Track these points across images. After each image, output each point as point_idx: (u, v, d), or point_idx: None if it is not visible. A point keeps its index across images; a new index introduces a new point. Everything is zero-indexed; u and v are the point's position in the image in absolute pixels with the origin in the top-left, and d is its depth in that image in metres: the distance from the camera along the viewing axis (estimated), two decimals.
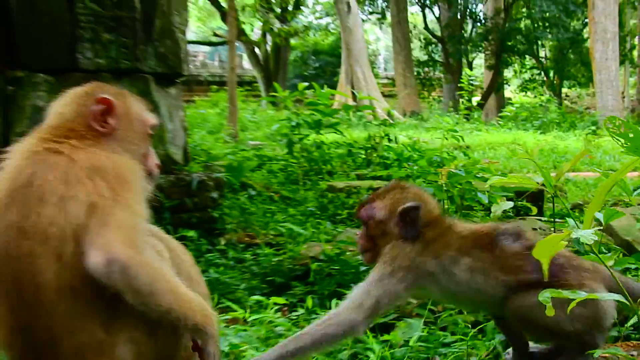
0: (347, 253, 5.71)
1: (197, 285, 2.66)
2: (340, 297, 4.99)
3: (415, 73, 29.96)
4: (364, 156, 11.42)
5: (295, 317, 4.37)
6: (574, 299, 2.03)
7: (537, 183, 4.30)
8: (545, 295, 2.01)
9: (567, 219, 5.52)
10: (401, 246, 2.44)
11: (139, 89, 7.34)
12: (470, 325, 3.84)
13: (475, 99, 29.56)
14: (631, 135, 2.70)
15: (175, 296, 2.22)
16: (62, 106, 2.69)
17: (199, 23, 42.91)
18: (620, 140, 2.81)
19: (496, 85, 30.82)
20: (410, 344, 3.73)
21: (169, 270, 2.32)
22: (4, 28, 6.95)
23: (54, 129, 2.57)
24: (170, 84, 7.85)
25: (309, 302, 4.55)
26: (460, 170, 5.54)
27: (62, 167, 2.32)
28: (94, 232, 2.16)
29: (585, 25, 28.83)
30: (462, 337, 3.64)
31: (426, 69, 32.51)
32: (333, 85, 22.74)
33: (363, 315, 2.42)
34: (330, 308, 4.56)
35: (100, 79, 7.01)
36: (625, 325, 3.01)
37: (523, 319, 2.37)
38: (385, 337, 3.78)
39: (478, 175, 5.69)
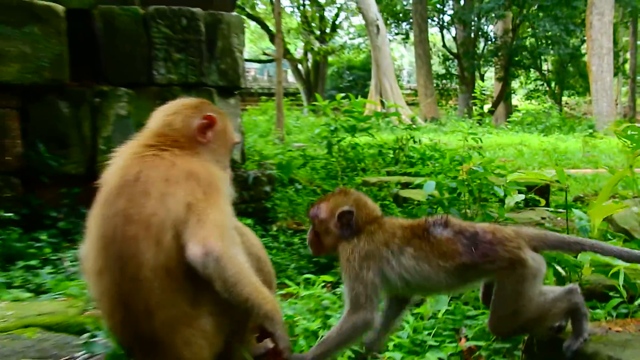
0: None
1: (264, 265, 2.71)
2: None
3: (435, 85, 29.72)
4: (392, 156, 11.36)
5: (339, 292, 4.39)
6: None
7: (549, 178, 4.30)
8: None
9: (572, 209, 5.45)
10: (347, 245, 2.39)
11: (204, 99, 7.43)
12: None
13: (487, 107, 29.33)
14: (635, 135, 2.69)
15: (253, 288, 2.29)
16: (169, 115, 2.74)
17: (251, 44, 43.20)
18: (626, 141, 2.81)
19: (504, 95, 30.44)
20: (438, 316, 3.73)
21: (249, 264, 2.36)
22: (91, 50, 7.09)
23: (158, 136, 2.64)
24: (229, 95, 7.93)
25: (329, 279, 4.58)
26: (478, 167, 5.50)
27: (164, 169, 2.41)
28: (193, 228, 2.25)
29: (583, 42, 28.30)
30: (484, 310, 3.62)
31: (444, 81, 32.29)
32: (364, 96, 22.69)
33: (368, 310, 2.36)
34: None
35: (171, 92, 7.16)
36: (635, 302, 2.95)
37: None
38: (416, 310, 3.78)
39: (495, 172, 5.62)
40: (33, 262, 5.70)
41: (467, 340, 3.35)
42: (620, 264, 2.36)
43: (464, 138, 9.55)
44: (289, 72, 32.21)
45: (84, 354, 2.35)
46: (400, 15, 30.91)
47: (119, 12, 7.03)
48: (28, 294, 4.74)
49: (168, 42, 7.16)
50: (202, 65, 7.34)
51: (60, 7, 6.71)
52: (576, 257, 3.08)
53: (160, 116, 2.77)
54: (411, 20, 29.47)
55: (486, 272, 2.35)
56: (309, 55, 30.51)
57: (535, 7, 28.14)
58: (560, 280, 3.26)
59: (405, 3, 30.78)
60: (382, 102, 20.39)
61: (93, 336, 2.90)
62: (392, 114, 12.55)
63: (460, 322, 3.64)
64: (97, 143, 6.89)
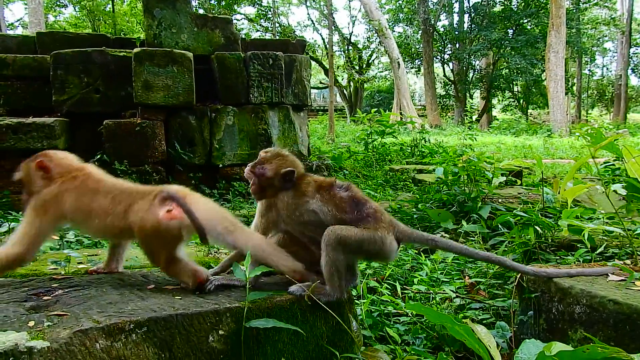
0: (404, 208, 5.56)
1: None
2: None
3: (438, 102, 28.99)
4: (409, 151, 11.14)
5: None
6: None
7: (527, 164, 4.10)
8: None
9: (540, 187, 5.19)
10: (284, 195, 2.16)
11: (283, 114, 7.41)
12: (488, 249, 3.68)
13: (474, 117, 28.52)
14: (594, 134, 2.50)
15: None
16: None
17: (312, 76, 43.34)
18: (586, 137, 2.62)
19: (487, 109, 29.47)
20: (447, 261, 3.60)
21: None
22: (209, 81, 7.16)
23: None
24: (300, 110, 7.87)
25: None
26: (474, 158, 5.30)
27: None
28: None
29: (543, 71, 27.15)
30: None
31: (444, 100, 31.50)
32: (389, 111, 22.34)
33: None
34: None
35: (262, 108, 7.15)
36: (595, 252, 2.77)
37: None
38: (432, 256, 3.67)
39: (486, 161, 5.40)
40: None
41: (470, 278, 3.23)
42: (587, 226, 2.23)
43: (460, 138, 9.23)
44: (337, 95, 32.06)
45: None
46: (414, 55, 30.20)
47: (228, 56, 7.05)
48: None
49: (260, 75, 7.15)
50: (282, 90, 7.30)
51: (190, 54, 6.77)
52: (556, 222, 2.90)
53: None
54: (422, 58, 28.74)
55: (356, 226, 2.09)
56: (351, 83, 30.22)
57: (509, 48, 27.24)
58: (538, 236, 3.09)
59: (417, 46, 30.02)
60: (401, 115, 20.10)
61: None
62: (409, 122, 12.28)
63: (464, 265, 3.52)
64: (212, 143, 6.97)
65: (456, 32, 29.14)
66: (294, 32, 28.71)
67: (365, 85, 32.06)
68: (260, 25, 27.23)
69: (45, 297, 1.86)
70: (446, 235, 4.48)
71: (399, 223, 2.18)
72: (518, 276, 2.28)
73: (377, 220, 2.09)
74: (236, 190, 6.82)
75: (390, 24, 27.61)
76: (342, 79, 31.81)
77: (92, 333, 1.54)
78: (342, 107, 30.68)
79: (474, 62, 29.79)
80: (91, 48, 6.75)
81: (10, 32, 20.31)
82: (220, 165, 6.94)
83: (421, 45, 29.01)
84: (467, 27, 29.09)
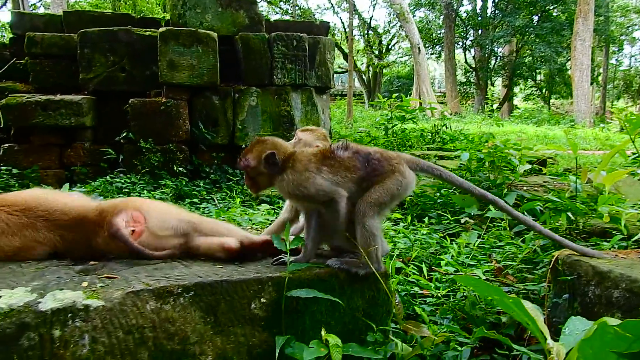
0: (426, 193, 5.55)
1: None
2: (423, 218, 4.93)
3: (458, 89, 28.61)
4: (430, 137, 11.05)
5: (401, 228, 4.32)
6: None
7: (560, 147, 4.07)
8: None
9: (567, 174, 5.14)
10: (281, 180, 2.08)
11: (306, 95, 7.41)
12: (513, 236, 3.66)
13: (495, 105, 28.14)
14: (633, 120, 2.47)
15: None
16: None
17: None
18: (626, 124, 2.58)
19: (508, 97, 28.99)
20: (471, 246, 3.60)
21: None
22: (233, 62, 7.17)
23: None
24: (323, 93, 7.86)
25: (408, 219, 4.47)
26: (500, 144, 5.26)
27: None
28: None
29: (568, 60, 26.54)
30: (508, 241, 3.48)
31: (464, 87, 31.06)
32: (408, 97, 22.25)
33: (336, 195, 2.06)
34: (417, 225, 4.49)
35: (285, 90, 7.16)
36: (632, 239, 2.75)
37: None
38: (457, 240, 3.68)
39: (513, 148, 5.34)
40: (195, 200, 5.91)
41: (498, 262, 3.23)
42: (629, 211, 2.21)
43: (480, 125, 9.11)
44: (356, 79, 31.81)
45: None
46: (435, 40, 29.72)
47: (252, 37, 7.05)
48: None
49: (283, 57, 7.14)
50: (305, 72, 7.29)
51: (214, 34, 6.79)
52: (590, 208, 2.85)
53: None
54: (443, 44, 28.30)
55: (374, 181, 2.06)
56: (370, 68, 29.92)
57: (533, 35, 26.59)
58: (570, 222, 3.07)
59: (439, 32, 29.53)
60: (420, 102, 19.94)
61: None
62: (430, 108, 12.17)
63: (490, 250, 3.51)
64: (235, 124, 7.02)
65: (479, 18, 28.56)
66: (313, 15, 28.45)
67: (385, 71, 31.72)
68: (279, 7, 27.06)
69: (91, 262, 1.93)
70: (470, 221, 4.49)
71: (404, 154, 2.19)
72: (553, 260, 2.28)
73: (387, 160, 2.08)
74: None
75: (411, 8, 27.16)
76: (362, 64, 31.53)
77: (143, 295, 1.61)
78: (360, 92, 30.44)
79: (496, 49, 29.24)
80: (117, 27, 6.81)
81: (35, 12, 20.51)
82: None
83: (442, 31, 28.56)
84: (491, 13, 28.48)
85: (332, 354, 1.59)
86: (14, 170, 5.98)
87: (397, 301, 1.99)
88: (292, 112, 7.22)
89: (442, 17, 28.09)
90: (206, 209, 5.50)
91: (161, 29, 6.62)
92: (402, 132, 10.90)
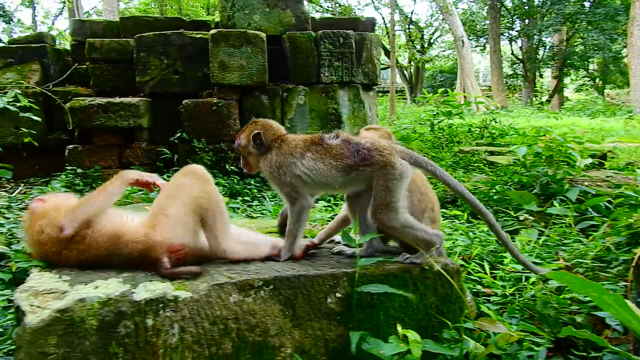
0: (478, 190, 5.41)
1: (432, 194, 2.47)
2: (477, 215, 4.82)
3: (504, 82, 27.71)
4: (478, 132, 10.76)
5: (458, 224, 4.24)
6: None
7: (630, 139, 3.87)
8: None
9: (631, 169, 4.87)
10: (266, 158, 2.14)
11: (353, 93, 7.40)
12: (580, 233, 3.52)
13: (544, 98, 27.07)
14: None
15: None
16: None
17: None
18: None
19: (558, 89, 27.77)
20: (532, 244, 3.48)
21: None
22: (281, 61, 7.26)
23: None
24: (370, 90, 7.82)
25: (465, 216, 4.39)
26: (559, 137, 5.06)
27: None
28: None
29: (624, 47, 25.11)
30: (575, 238, 3.35)
31: (511, 80, 30.05)
32: (445, 92, 21.89)
33: (302, 198, 2.11)
34: (470, 222, 4.39)
35: (332, 88, 7.17)
36: None
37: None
38: (518, 238, 3.57)
39: (575, 141, 5.12)
40: (247, 198, 6.03)
41: (565, 260, 3.12)
42: None
43: (528, 119, 8.77)
44: (397, 75, 31.45)
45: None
46: (479, 32, 28.90)
47: (299, 36, 7.10)
48: (255, 215, 5.00)
49: (330, 54, 7.16)
50: (352, 69, 7.28)
51: (263, 34, 6.89)
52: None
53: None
54: (487, 35, 27.47)
55: (365, 172, 2.05)
56: (412, 63, 29.48)
57: (585, 22, 25.28)
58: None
59: (483, 23, 28.70)
60: (464, 96, 19.50)
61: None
62: (478, 102, 11.84)
63: (556, 248, 3.39)
64: (284, 122, 7.09)
65: (526, 7, 27.49)
66: (354, 11, 28.33)
67: (427, 66, 31.15)
68: (319, 5, 27.13)
69: None
70: (530, 217, 4.35)
71: (398, 146, 2.18)
72: (636, 257, 2.18)
73: (379, 150, 2.07)
74: None
75: (454, 0, 26.54)
76: (403, 60, 31.10)
77: (227, 287, 1.67)
78: (402, 89, 30.05)
79: (544, 39, 28.06)
80: (170, 31, 7.05)
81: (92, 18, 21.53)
82: None
83: (487, 22, 27.70)
84: (538, 1, 27.34)
85: (411, 349, 1.59)
86: (79, 170, 6.31)
87: (468, 299, 1.96)
88: (339, 110, 7.23)
89: (486, 8, 27.24)
90: (258, 207, 5.62)
91: (212, 31, 6.79)
92: (448, 127, 10.69)
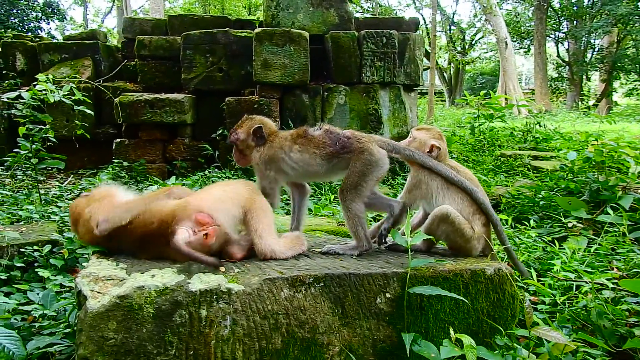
0: (522, 195, 5.24)
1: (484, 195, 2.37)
2: (521, 220, 4.66)
3: (548, 85, 26.75)
4: (521, 136, 10.43)
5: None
6: None
7: None
8: None
9: None
10: (258, 150, 2.29)
11: (394, 93, 7.31)
12: (635, 242, 3.35)
13: (591, 102, 25.95)
14: None
15: None
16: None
17: None
18: None
19: (607, 93, 26.56)
20: (583, 252, 3.33)
21: None
22: (323, 61, 7.26)
23: None
24: (411, 91, 7.71)
25: (509, 221, 4.24)
26: (612, 142, 4.83)
27: None
28: None
29: None
30: (631, 247, 3.18)
31: (555, 82, 28.98)
32: (487, 95, 21.31)
33: (271, 197, 2.25)
34: (515, 227, 4.25)
35: (373, 88, 7.11)
36: None
37: None
38: (566, 245, 3.43)
39: (629, 147, 4.87)
40: (285, 196, 6.04)
41: (619, 270, 2.97)
42: None
43: (573, 123, 8.40)
44: (437, 77, 30.94)
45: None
46: (524, 33, 28.01)
47: (342, 35, 7.08)
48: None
49: (372, 54, 7.10)
50: (394, 69, 7.19)
51: (306, 33, 6.92)
52: None
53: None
54: (532, 37, 26.60)
55: (345, 158, 2.23)
56: (452, 65, 28.91)
57: (638, 24, 24.01)
58: None
59: (528, 25, 27.80)
60: (506, 99, 18.95)
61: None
62: (523, 106, 11.48)
63: (608, 257, 3.23)
64: (324, 121, 7.07)
65: (574, 8, 26.43)
66: (394, 12, 28.04)
67: (467, 67, 30.47)
68: (360, 6, 26.99)
69: None
70: (578, 225, 4.17)
71: (376, 135, 2.37)
72: None
73: (357, 138, 2.26)
74: None
75: (498, 0, 25.83)
76: (444, 61, 30.53)
77: (278, 282, 1.68)
78: (441, 91, 29.52)
79: (593, 41, 26.93)
80: (216, 29, 7.18)
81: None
82: None
83: (532, 23, 26.83)
84: (588, 2, 26.22)
85: (466, 354, 1.54)
86: (125, 163, 6.53)
87: (527, 305, 1.89)
88: (379, 110, 7.17)
89: (532, 8, 26.37)
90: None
91: (257, 30, 6.87)
92: (489, 130, 10.43)
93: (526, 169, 7.43)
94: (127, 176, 6.34)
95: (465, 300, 1.81)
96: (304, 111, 7.00)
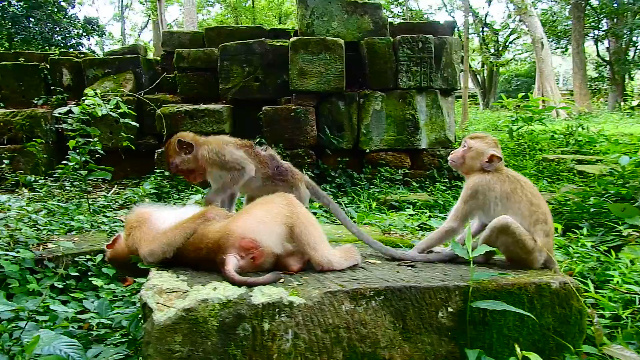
0: (570, 201, 5.04)
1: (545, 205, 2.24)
2: (570, 228, 4.48)
3: (588, 86, 25.83)
4: (563, 139, 10.10)
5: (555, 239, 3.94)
6: None
7: None
8: None
9: None
10: (196, 157, 2.51)
11: (431, 98, 7.22)
12: None
13: (635, 102, 24.89)
14: None
15: None
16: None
17: None
18: None
19: None
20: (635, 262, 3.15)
21: None
22: (357, 67, 7.24)
23: None
24: (448, 95, 7.59)
25: (559, 229, 4.08)
26: None
27: None
28: None
29: None
30: None
31: (595, 83, 27.96)
32: (527, 97, 20.74)
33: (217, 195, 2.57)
34: (566, 235, 4.09)
35: (410, 93, 7.05)
36: None
37: None
38: (623, 255, 3.27)
39: None
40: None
41: None
42: None
43: (617, 125, 8.06)
44: (470, 80, 30.41)
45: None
46: (561, 33, 27.18)
47: (377, 41, 7.06)
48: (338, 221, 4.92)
49: (408, 59, 7.04)
50: (431, 74, 7.11)
51: (341, 40, 6.94)
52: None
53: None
54: (569, 36, 25.79)
55: (276, 185, 2.49)
56: (485, 67, 28.35)
57: None
58: None
59: (565, 24, 26.99)
60: (543, 102, 18.44)
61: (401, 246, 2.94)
62: (564, 108, 11.12)
63: None
64: (360, 128, 7.08)
65: (614, 5, 25.47)
66: (425, 16, 27.79)
67: (501, 69, 29.82)
68: (390, 11, 26.91)
69: None
70: (634, 233, 3.98)
71: (306, 176, 2.65)
72: None
73: (292, 173, 2.55)
74: (382, 176, 6.86)
75: (533, 0, 25.21)
76: (477, 63, 29.99)
77: (339, 295, 1.66)
78: (475, 93, 28.98)
79: (635, 38, 25.86)
80: (252, 40, 7.29)
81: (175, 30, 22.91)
82: (367, 150, 7.05)
83: (570, 22, 26.02)
84: None
85: None
86: (166, 173, 6.69)
87: (595, 321, 1.81)
88: (416, 116, 7.09)
89: (569, 7, 25.58)
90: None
91: (292, 39, 6.94)
92: (529, 134, 10.14)
93: (571, 173, 7.18)
94: (168, 185, 6.48)
95: (531, 316, 1.75)
96: (340, 118, 7.00)
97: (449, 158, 2.37)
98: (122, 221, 4.63)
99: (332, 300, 1.65)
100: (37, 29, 15.45)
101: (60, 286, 3.01)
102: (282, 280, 1.76)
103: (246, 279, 1.71)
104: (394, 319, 1.70)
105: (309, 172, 6.74)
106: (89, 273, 3.25)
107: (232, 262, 1.77)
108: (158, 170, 6.73)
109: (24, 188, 5.84)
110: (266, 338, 1.58)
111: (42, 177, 6.30)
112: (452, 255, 2.15)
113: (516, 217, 2.05)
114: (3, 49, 15.35)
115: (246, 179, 2.48)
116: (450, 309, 1.74)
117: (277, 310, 1.59)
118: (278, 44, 7.25)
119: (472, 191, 2.16)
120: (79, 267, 3.25)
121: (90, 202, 5.11)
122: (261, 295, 1.62)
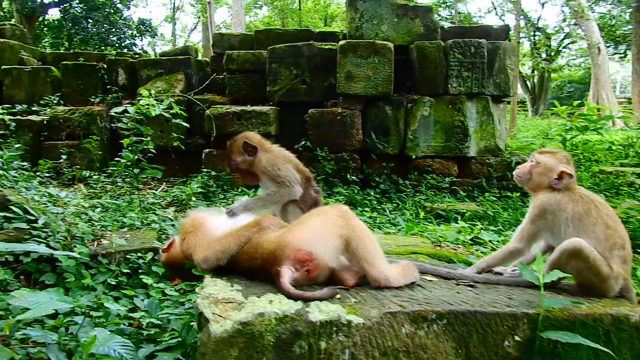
0: (633, 218, 4.72)
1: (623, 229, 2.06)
2: (633, 247, 4.18)
3: None
4: (621, 150, 9.52)
5: None
6: None
7: None
8: None
9: None
10: (259, 160, 2.57)
11: (482, 105, 6.98)
12: None
13: None
14: None
15: None
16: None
17: None
18: None
19: None
20: None
21: None
22: (406, 71, 7.10)
23: None
24: (499, 102, 7.32)
25: None
26: None
27: None
28: None
29: None
30: None
31: None
32: (581, 104, 19.69)
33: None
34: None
35: (460, 99, 6.84)
36: None
37: None
38: None
39: None
40: (366, 209, 5.94)
41: None
42: None
43: None
44: (518, 85, 29.37)
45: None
46: (619, 38, 25.75)
47: (428, 45, 6.89)
48: (390, 230, 4.85)
49: (459, 64, 6.83)
50: (482, 80, 6.87)
51: (390, 44, 6.82)
52: None
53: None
54: (629, 41, 24.38)
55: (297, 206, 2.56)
56: (536, 72, 27.28)
57: None
58: None
59: (625, 28, 25.55)
60: (598, 111, 17.47)
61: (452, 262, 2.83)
62: (623, 117, 10.50)
63: None
64: (407, 134, 6.94)
65: None
66: (474, 19, 27.07)
67: (553, 75, 28.61)
68: (438, 14, 26.39)
69: None
70: None
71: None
72: None
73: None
74: (428, 183, 6.69)
75: (590, 3, 24.02)
76: (527, 68, 28.92)
77: (399, 317, 1.58)
78: (524, 99, 27.96)
79: None
80: (300, 42, 7.29)
81: (225, 32, 23.43)
82: (413, 157, 6.89)
83: (630, 27, 24.61)
84: None
85: None
86: (212, 172, 6.79)
87: None
88: (466, 123, 6.87)
89: (629, 10, 24.20)
90: (378, 219, 5.52)
91: (341, 42, 6.89)
92: (583, 144, 9.62)
93: (632, 188, 6.75)
94: (214, 185, 6.58)
95: (608, 351, 1.60)
96: (387, 123, 6.89)
97: (514, 173, 2.23)
98: (170, 219, 4.73)
99: (391, 322, 1.57)
100: (94, 29, 16.18)
101: (113, 282, 3.08)
102: (338, 296, 1.70)
103: (302, 293, 1.66)
104: (456, 345, 1.60)
105: (353, 177, 6.67)
106: (140, 270, 3.30)
107: (287, 275, 1.72)
108: (205, 170, 6.84)
109: (80, 184, 6.08)
110: (322, 357, 1.52)
111: (97, 173, 6.54)
112: (516, 280, 2.02)
113: (590, 240, 1.90)
114: (64, 48, 16.17)
115: (288, 198, 2.54)
116: (517, 338, 1.63)
117: (334, 328, 1.53)
118: (326, 47, 7.22)
119: (541, 210, 2.02)
120: (130, 265, 3.32)
121: (140, 199, 5.24)
122: (318, 311, 1.56)
